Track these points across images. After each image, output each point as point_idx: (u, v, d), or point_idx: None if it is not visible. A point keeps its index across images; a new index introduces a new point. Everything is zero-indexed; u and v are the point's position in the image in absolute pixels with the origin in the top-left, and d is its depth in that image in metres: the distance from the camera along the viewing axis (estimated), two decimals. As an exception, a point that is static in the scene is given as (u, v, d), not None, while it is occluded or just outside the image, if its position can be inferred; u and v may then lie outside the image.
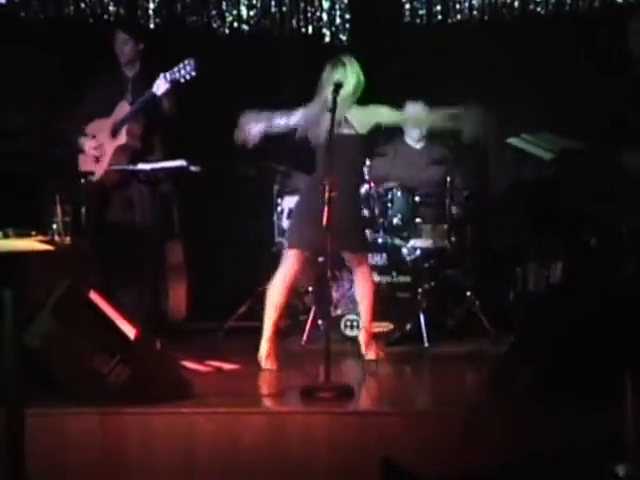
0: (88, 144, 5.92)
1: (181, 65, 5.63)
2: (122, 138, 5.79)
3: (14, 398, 3.68)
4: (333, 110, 4.92)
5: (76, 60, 6.41)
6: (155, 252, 5.89)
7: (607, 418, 3.90)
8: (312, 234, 5.07)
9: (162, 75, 5.65)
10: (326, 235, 4.68)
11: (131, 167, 5.70)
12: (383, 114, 5.36)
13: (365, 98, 5.41)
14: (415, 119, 6.32)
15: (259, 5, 7.20)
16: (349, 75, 5.23)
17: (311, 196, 5.22)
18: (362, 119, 5.32)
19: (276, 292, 5.33)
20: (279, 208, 6.70)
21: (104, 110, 5.91)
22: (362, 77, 5.29)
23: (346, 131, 5.27)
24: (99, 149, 5.84)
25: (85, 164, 5.96)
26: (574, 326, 4.29)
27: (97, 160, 5.87)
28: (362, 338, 5.55)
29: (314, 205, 4.96)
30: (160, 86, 5.65)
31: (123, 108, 5.85)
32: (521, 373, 4.33)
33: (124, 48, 5.95)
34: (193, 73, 5.61)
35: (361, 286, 5.50)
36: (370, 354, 5.50)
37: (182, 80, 5.64)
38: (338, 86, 5.01)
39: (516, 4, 6.93)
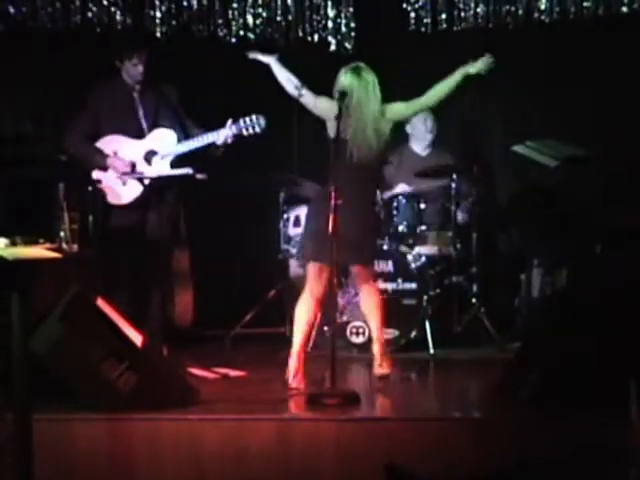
0: (118, 163, 5.68)
1: (249, 121, 5.49)
2: (165, 170, 5.65)
3: (22, 404, 3.70)
4: (339, 117, 4.88)
5: (85, 67, 6.42)
6: (162, 259, 5.89)
7: (613, 423, 3.91)
8: (326, 245, 4.81)
9: (229, 125, 5.50)
10: (336, 244, 4.63)
11: (137, 174, 5.68)
12: (399, 110, 5.17)
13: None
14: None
15: (265, 14, 7.22)
16: (358, 82, 5.05)
17: (324, 207, 4.89)
18: (379, 124, 5.10)
19: (304, 307, 5.12)
20: (285, 216, 6.71)
21: (108, 121, 5.75)
22: (371, 81, 5.09)
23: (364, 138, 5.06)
24: (128, 170, 5.68)
25: (111, 192, 5.70)
26: (580, 331, 4.31)
27: (124, 182, 5.69)
28: (376, 350, 5.24)
29: (327, 216, 4.78)
30: (227, 137, 5.52)
31: (165, 137, 5.72)
32: (530, 378, 4.34)
33: (139, 68, 5.73)
34: (259, 131, 5.49)
35: (369, 299, 5.24)
36: (384, 368, 5.22)
37: (245, 135, 5.52)
38: (343, 94, 4.99)
39: (520, 12, 6.95)
